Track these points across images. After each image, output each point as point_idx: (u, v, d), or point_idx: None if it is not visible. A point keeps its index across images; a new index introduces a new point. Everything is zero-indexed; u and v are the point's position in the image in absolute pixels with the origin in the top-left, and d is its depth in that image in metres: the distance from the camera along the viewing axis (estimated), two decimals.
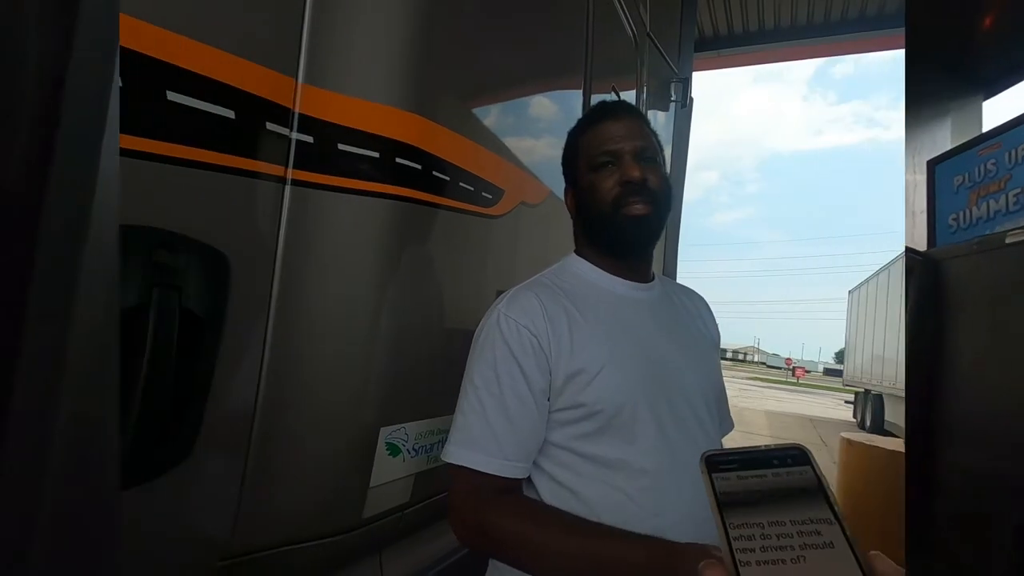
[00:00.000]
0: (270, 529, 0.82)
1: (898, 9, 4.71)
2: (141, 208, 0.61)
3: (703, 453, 0.50)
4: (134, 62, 0.59)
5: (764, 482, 0.48)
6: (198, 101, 0.64)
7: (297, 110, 0.78)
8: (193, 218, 0.67)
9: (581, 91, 1.65)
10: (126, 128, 0.59)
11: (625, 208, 0.87)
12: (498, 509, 0.78)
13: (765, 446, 0.52)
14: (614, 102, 0.99)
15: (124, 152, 0.59)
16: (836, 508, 0.47)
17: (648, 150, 0.90)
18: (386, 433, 0.94)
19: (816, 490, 0.47)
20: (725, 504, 0.47)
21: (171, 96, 0.62)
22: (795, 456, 0.50)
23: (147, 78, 0.60)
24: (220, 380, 0.71)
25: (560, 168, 1.01)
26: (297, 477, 0.84)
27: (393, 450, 0.96)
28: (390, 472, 0.96)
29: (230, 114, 0.68)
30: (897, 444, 4.20)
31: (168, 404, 0.63)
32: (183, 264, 0.63)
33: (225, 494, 0.76)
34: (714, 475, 0.49)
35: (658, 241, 0.96)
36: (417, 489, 1.05)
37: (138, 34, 0.59)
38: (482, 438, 0.79)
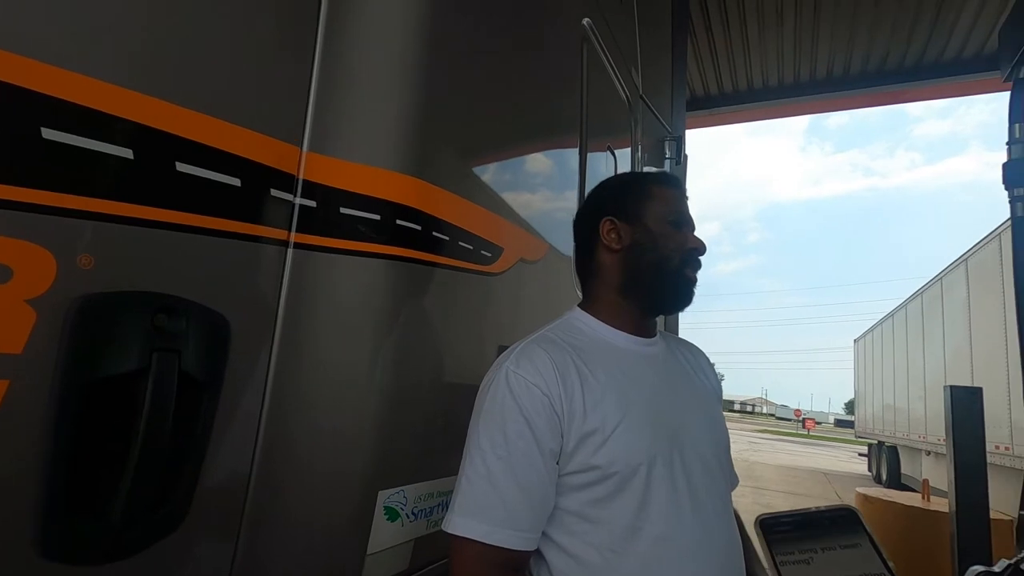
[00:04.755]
0: None
1: (879, 69, 4.91)
2: (148, 274, 0.63)
3: (757, 517, 0.52)
4: (145, 136, 0.62)
5: (818, 542, 0.49)
6: (205, 171, 0.67)
7: (301, 176, 0.81)
8: (198, 283, 0.68)
9: (577, 150, 1.70)
10: (136, 198, 0.61)
11: (688, 269, 0.93)
12: None
13: (816, 508, 0.55)
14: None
15: (132, 221, 0.61)
16: (889, 564, 0.48)
17: None
18: (384, 496, 0.91)
19: (868, 547, 0.49)
20: (782, 564, 0.49)
21: (180, 167, 0.65)
22: (846, 516, 0.52)
23: (157, 151, 0.63)
24: (216, 443, 0.71)
25: (555, 225, 1.03)
26: (291, 545, 0.81)
27: (392, 514, 0.93)
28: (388, 538, 0.93)
29: (236, 182, 0.71)
30: (915, 499, 4.06)
31: (162, 471, 0.62)
32: (183, 328, 0.64)
33: (216, 564, 0.74)
34: (769, 537, 0.50)
35: None
36: (417, 555, 1.01)
37: (147, 109, 0.62)
38: (489, 506, 0.76)
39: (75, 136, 0.56)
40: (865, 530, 0.52)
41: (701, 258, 0.95)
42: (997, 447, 5.62)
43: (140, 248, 0.62)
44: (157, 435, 0.60)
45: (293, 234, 0.80)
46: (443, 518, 0.80)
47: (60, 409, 0.55)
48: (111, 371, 0.58)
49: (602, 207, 0.99)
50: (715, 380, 1.05)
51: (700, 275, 0.95)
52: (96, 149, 0.57)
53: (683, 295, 0.94)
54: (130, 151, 0.60)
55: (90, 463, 0.58)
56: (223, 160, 0.69)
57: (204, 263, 0.69)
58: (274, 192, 0.77)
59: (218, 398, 0.70)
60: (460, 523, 0.76)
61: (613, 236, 0.96)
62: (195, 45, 0.69)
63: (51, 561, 0.56)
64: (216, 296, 0.70)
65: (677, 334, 2.75)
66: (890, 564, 0.49)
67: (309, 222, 0.81)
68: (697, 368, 1.02)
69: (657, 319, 1.00)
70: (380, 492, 0.91)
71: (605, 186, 1.06)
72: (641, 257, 0.93)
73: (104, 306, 0.58)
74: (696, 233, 0.96)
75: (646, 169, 2.52)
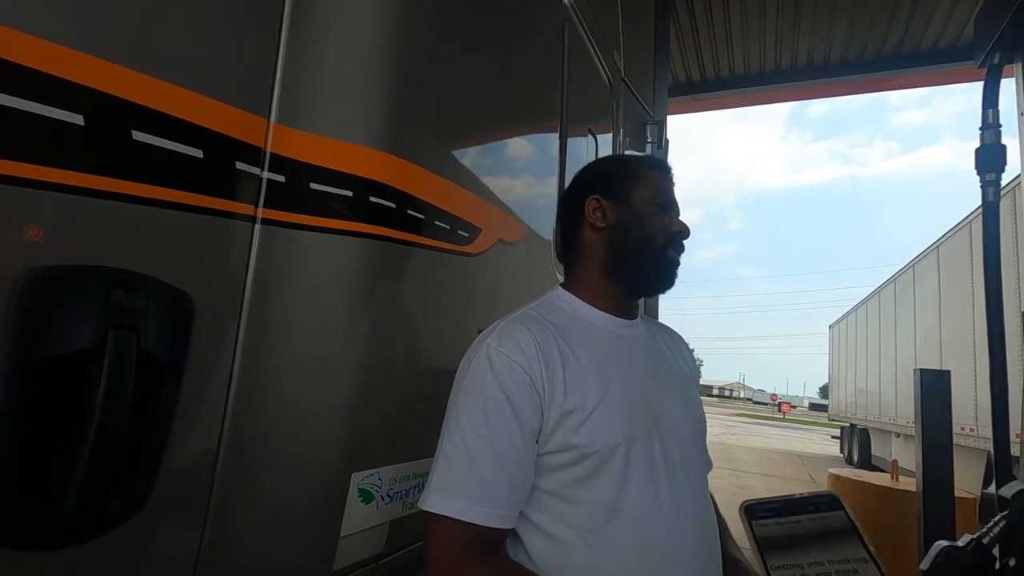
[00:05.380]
0: None
1: (859, 57, 4.95)
2: (103, 248, 0.60)
3: (742, 503, 0.53)
4: (97, 102, 0.58)
5: (801, 527, 0.51)
6: (164, 140, 0.64)
7: (268, 150, 0.78)
8: (158, 258, 0.65)
9: (557, 133, 1.68)
10: (88, 168, 0.58)
11: (672, 250, 0.93)
12: (483, 573, 0.73)
13: (799, 494, 0.56)
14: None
15: (84, 191, 0.57)
16: (870, 548, 0.49)
17: None
18: (358, 479, 0.90)
19: (850, 532, 0.50)
20: (766, 548, 0.50)
21: (136, 136, 0.61)
22: (828, 502, 0.53)
23: (110, 118, 0.60)
24: (180, 424, 0.68)
25: (535, 206, 1.02)
26: (262, 528, 0.80)
27: (366, 496, 0.92)
28: (363, 520, 0.92)
29: (198, 153, 0.68)
30: (884, 479, 4.18)
31: (121, 453, 0.60)
32: (142, 304, 0.61)
33: (182, 549, 0.72)
34: (753, 522, 0.52)
35: None
36: (392, 538, 1.00)
37: (100, 73, 0.59)
38: (467, 483, 0.75)
39: (19, 99, 0.52)
40: (848, 516, 0.53)
41: (684, 242, 0.95)
42: (963, 428, 5.81)
43: (94, 220, 0.59)
44: (115, 415, 0.58)
45: (260, 209, 0.77)
46: (419, 499, 0.79)
47: (7, 389, 0.53)
48: (63, 349, 0.56)
49: (589, 186, 0.98)
50: (693, 364, 1.05)
51: (682, 261, 0.95)
52: (42, 114, 0.54)
53: (666, 276, 0.94)
54: (80, 117, 0.57)
55: (41, 445, 0.55)
56: (183, 130, 0.66)
57: (165, 237, 0.66)
58: (239, 165, 0.74)
59: (181, 377, 0.68)
60: (437, 501, 0.75)
61: (599, 214, 0.95)
62: (153, 5, 0.65)
63: None
64: (178, 272, 0.67)
65: (657, 319, 2.76)
66: (871, 549, 0.50)
67: (277, 197, 0.78)
68: (676, 352, 1.03)
69: (638, 303, 1.00)
70: (354, 474, 0.89)
71: (593, 166, 1.06)
72: (626, 236, 0.93)
73: (54, 280, 0.55)
74: (680, 218, 0.96)
75: (629, 152, 2.51)
